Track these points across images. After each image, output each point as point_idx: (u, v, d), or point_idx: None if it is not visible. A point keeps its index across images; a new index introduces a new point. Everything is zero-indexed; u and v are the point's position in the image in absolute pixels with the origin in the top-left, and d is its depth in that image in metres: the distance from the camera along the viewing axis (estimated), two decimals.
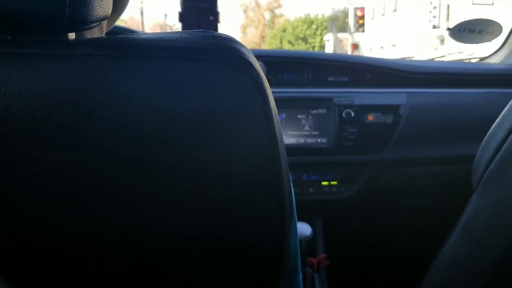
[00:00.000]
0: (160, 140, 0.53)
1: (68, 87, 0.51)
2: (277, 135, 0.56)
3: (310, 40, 37.10)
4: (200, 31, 0.58)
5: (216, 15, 1.60)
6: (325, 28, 35.31)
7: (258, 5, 50.48)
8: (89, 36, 0.66)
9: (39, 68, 0.51)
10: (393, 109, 1.64)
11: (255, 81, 0.54)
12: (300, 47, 36.76)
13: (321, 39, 35.22)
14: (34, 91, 0.50)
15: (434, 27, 20.40)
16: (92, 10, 0.53)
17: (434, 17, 20.32)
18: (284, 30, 39.41)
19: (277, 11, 50.55)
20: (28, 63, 0.51)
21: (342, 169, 1.71)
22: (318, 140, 1.65)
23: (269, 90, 0.56)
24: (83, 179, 0.53)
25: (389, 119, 1.64)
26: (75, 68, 0.51)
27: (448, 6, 19.37)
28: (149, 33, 0.58)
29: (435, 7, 20.20)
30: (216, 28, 1.49)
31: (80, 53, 0.52)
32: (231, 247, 0.58)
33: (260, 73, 0.55)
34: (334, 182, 1.71)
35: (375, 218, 1.86)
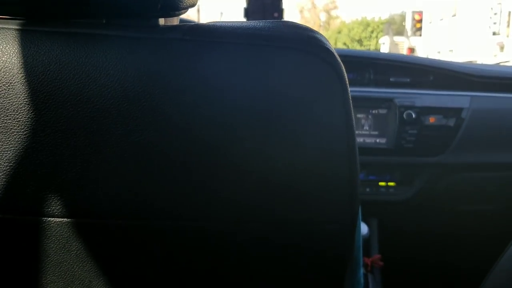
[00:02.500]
0: (243, 125, 0.54)
1: (158, 70, 0.53)
2: (353, 126, 0.57)
3: (365, 42, 36.73)
4: (282, 21, 0.59)
5: (280, 12, 1.61)
6: (381, 31, 34.89)
7: (314, 6, 50.32)
8: (170, 24, 0.69)
9: (132, 51, 0.53)
10: (455, 112, 1.62)
11: (337, 71, 0.55)
12: (355, 49, 36.41)
13: (377, 42, 34.84)
14: (127, 72, 0.53)
15: (494, 33, 19.89)
16: None
17: (494, 23, 19.80)
18: (339, 32, 39.13)
19: (333, 13, 50.29)
20: (122, 46, 0.54)
21: (400, 171, 1.70)
22: (377, 140, 1.64)
23: (347, 81, 0.57)
24: (166, 159, 0.55)
25: (451, 122, 1.62)
26: (166, 52, 0.54)
27: (510, 12, 18.85)
28: (233, 21, 0.60)
29: (495, 13, 19.69)
30: None
31: (171, 38, 0.55)
32: (305, 233, 0.59)
33: (341, 64, 0.56)
34: (392, 183, 1.70)
35: (431, 222, 1.84)
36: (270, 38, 0.55)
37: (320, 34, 0.59)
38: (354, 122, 0.57)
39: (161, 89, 0.53)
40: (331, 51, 0.56)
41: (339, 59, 0.56)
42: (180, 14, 0.58)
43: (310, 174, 0.57)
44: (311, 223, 0.59)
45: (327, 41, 0.58)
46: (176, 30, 0.55)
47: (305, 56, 0.54)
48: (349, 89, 1.60)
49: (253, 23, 0.58)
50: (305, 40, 0.55)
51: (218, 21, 0.60)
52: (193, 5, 0.59)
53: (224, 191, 0.56)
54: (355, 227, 0.62)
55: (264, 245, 0.60)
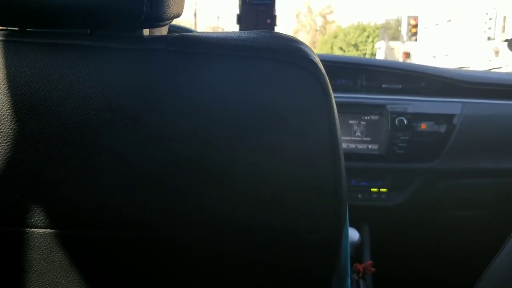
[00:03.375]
0: (226, 136, 0.54)
1: (141, 81, 0.53)
2: (338, 136, 0.57)
3: (361, 47, 36.81)
4: (267, 31, 0.59)
5: (273, 18, 1.62)
6: (377, 36, 34.98)
7: (310, 10, 50.36)
8: (158, 34, 0.69)
9: (115, 62, 0.54)
10: (447, 118, 1.63)
11: (320, 82, 0.55)
12: (351, 53, 36.50)
13: (373, 46, 34.90)
14: (110, 84, 0.53)
15: (489, 38, 19.94)
16: (168, 8, 0.55)
17: (489, 28, 19.86)
18: (336, 36, 39.20)
19: (329, 17, 50.35)
20: (106, 57, 0.54)
21: (392, 177, 1.70)
22: (369, 146, 1.65)
23: (331, 92, 0.57)
24: (148, 171, 0.55)
25: (443, 129, 1.62)
26: (149, 63, 0.54)
27: (505, 18, 18.92)
28: (217, 32, 0.60)
29: (490, 18, 19.74)
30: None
31: (155, 48, 0.55)
32: (291, 241, 0.60)
33: (325, 75, 0.56)
34: (384, 189, 1.70)
35: (423, 228, 1.84)
36: (255, 49, 0.55)
37: (305, 45, 0.59)
38: (339, 132, 0.58)
39: (144, 100, 0.53)
40: (315, 62, 0.56)
41: (323, 70, 0.56)
42: (165, 25, 0.58)
43: (294, 184, 0.57)
44: (295, 232, 0.59)
45: (312, 52, 0.59)
46: (160, 41, 0.56)
47: (289, 67, 0.55)
48: (342, 95, 1.60)
49: (239, 33, 0.58)
50: (289, 51, 0.56)
51: (203, 32, 0.60)
52: (177, 16, 0.59)
53: (207, 202, 0.56)
54: (341, 236, 0.62)
55: (248, 256, 0.60)
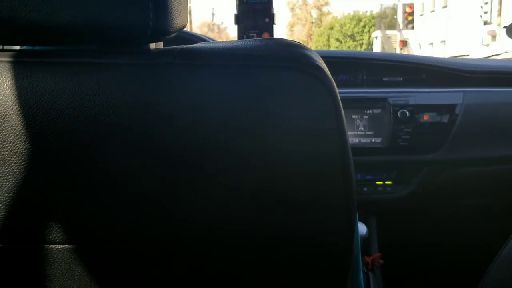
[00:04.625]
0: (237, 146, 0.55)
1: (150, 96, 0.54)
2: (347, 140, 0.58)
3: (358, 37, 36.75)
4: (272, 38, 0.60)
5: (271, 17, 1.61)
6: (373, 25, 34.90)
7: (305, 3, 50.27)
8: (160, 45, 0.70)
9: (124, 78, 0.54)
10: (449, 108, 1.63)
11: (328, 88, 0.56)
12: (348, 44, 36.49)
13: (369, 36, 34.84)
14: (120, 99, 0.54)
15: (485, 23, 19.88)
16: (173, 21, 0.56)
17: (486, 12, 19.80)
18: (332, 28, 39.14)
19: (325, 9, 50.23)
20: (114, 73, 0.54)
21: (397, 169, 1.71)
22: (373, 140, 1.65)
23: (339, 96, 0.58)
24: (161, 183, 0.56)
25: (445, 119, 1.63)
26: (158, 77, 0.55)
27: (500, 1, 18.87)
28: (223, 41, 0.61)
29: (486, 3, 19.68)
30: (271, 30, 1.51)
31: (162, 63, 0.55)
32: (304, 247, 0.60)
33: (331, 79, 0.57)
34: (389, 182, 1.71)
35: (430, 218, 1.85)
36: (261, 58, 0.56)
37: (310, 50, 0.60)
38: (347, 136, 0.58)
39: (154, 115, 0.54)
40: (321, 67, 0.57)
41: (329, 75, 0.57)
42: (171, 38, 0.59)
43: (305, 191, 0.57)
44: (307, 239, 0.60)
45: (318, 57, 0.59)
46: (167, 55, 0.56)
47: (295, 74, 0.55)
48: (343, 90, 1.60)
49: (244, 42, 0.59)
50: (295, 58, 0.56)
51: (209, 42, 0.61)
52: (182, 27, 0.60)
53: (219, 210, 0.57)
54: (353, 236, 0.63)
55: (258, 262, 0.61)
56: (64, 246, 0.58)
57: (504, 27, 1.94)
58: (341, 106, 0.57)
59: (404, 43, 27.77)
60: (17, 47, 0.62)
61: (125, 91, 0.54)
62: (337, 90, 0.57)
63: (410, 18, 28.86)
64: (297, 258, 0.61)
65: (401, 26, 29.86)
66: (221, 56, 0.56)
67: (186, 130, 0.54)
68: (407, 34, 29.36)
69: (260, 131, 0.55)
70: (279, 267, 0.61)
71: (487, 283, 0.94)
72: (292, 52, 0.57)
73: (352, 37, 36.98)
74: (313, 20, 49.77)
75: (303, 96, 0.55)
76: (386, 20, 34.52)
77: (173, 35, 0.58)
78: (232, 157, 0.55)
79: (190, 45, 0.59)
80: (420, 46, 27.92)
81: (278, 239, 0.59)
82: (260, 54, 0.56)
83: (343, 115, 0.58)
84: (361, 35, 36.61)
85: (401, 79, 1.76)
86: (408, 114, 1.61)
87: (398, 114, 1.61)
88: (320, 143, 0.56)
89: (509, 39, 1.91)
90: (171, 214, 0.57)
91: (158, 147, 0.55)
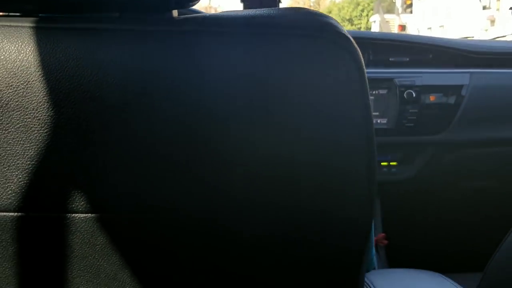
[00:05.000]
0: (259, 116, 0.54)
1: (175, 63, 0.53)
2: (370, 109, 0.57)
3: (356, 21, 36.64)
4: (295, 8, 0.59)
5: None
6: (372, 9, 34.78)
7: None
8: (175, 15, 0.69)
9: (148, 45, 0.53)
10: (455, 89, 1.63)
11: (354, 57, 0.55)
12: (346, 28, 36.33)
13: (367, 20, 34.73)
14: (144, 66, 0.53)
15: (484, 8, 19.84)
16: None
17: None
18: (330, 12, 38.98)
19: None
20: (138, 40, 0.54)
21: (402, 150, 1.71)
22: (378, 121, 1.65)
23: (364, 67, 0.57)
24: (185, 153, 0.55)
25: (451, 100, 1.62)
26: (181, 45, 0.54)
27: None
28: (247, 9, 0.60)
29: None
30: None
31: (185, 30, 0.54)
32: (326, 222, 0.60)
33: (358, 49, 0.56)
34: (394, 163, 1.71)
35: (434, 199, 1.85)
36: (286, 27, 0.55)
37: (334, 20, 0.58)
38: (371, 108, 0.57)
39: (177, 82, 0.53)
40: (348, 37, 0.56)
41: (356, 45, 0.56)
42: (193, 5, 0.58)
43: (328, 163, 0.57)
44: (328, 213, 0.59)
45: (342, 26, 0.58)
46: (191, 22, 0.55)
47: (322, 43, 0.54)
48: None
49: (267, 11, 0.58)
50: (321, 27, 0.55)
51: (231, 10, 0.60)
52: None
53: (237, 185, 0.56)
54: (373, 211, 0.63)
55: (278, 240, 0.60)
56: (86, 215, 0.57)
57: (511, 8, 1.93)
58: (366, 76, 0.56)
59: (402, 28, 27.71)
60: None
61: (148, 58, 0.53)
62: (362, 59, 0.56)
63: (409, 2, 28.76)
64: (318, 232, 0.60)
65: (400, 10, 29.75)
66: (245, 23, 0.55)
67: (211, 97, 0.54)
68: (405, 18, 29.28)
69: (282, 100, 0.54)
70: (298, 241, 0.61)
71: (494, 267, 0.94)
72: (318, 21, 0.56)
73: (350, 21, 36.87)
74: (311, 4, 49.57)
75: (329, 66, 0.54)
76: (385, 4, 34.41)
77: (196, 2, 0.57)
78: (257, 124, 0.55)
79: (214, 13, 0.58)
80: (418, 31, 27.83)
81: (300, 212, 0.59)
82: (284, 23, 0.55)
83: (368, 86, 0.57)
84: (359, 19, 36.49)
85: (408, 59, 1.74)
86: (414, 95, 1.60)
87: (404, 94, 1.60)
88: (345, 112, 0.56)
89: (508, 24, 1.90)
90: (195, 185, 0.56)
91: (181, 114, 0.54)
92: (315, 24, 0.55)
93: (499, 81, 1.68)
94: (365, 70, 0.56)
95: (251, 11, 0.58)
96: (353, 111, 0.56)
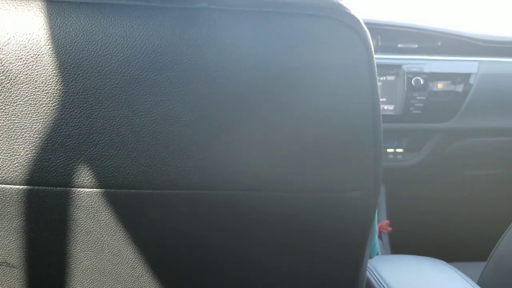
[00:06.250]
0: (268, 93, 0.55)
1: (185, 40, 0.53)
2: (378, 91, 0.57)
3: None
4: None
5: None
6: None
7: None
8: None
9: (158, 21, 0.53)
10: (463, 77, 1.62)
11: (363, 39, 0.55)
12: None
13: None
14: (154, 43, 0.53)
15: None
16: None
17: None
18: None
19: None
20: (149, 16, 0.53)
21: (408, 137, 1.70)
22: (385, 107, 1.64)
23: (373, 49, 0.57)
24: (193, 129, 0.55)
25: (459, 88, 1.62)
26: (192, 22, 0.54)
27: None
28: None
29: None
30: None
31: (197, 7, 0.54)
32: (331, 200, 0.60)
33: (367, 31, 0.56)
34: (400, 150, 1.70)
35: (439, 187, 1.85)
36: (297, 6, 0.55)
37: (344, 1, 0.58)
38: (378, 89, 0.58)
39: (188, 59, 0.53)
40: (357, 18, 0.56)
41: (365, 27, 0.56)
42: None
43: (335, 142, 0.57)
44: (334, 191, 0.59)
45: (351, 7, 0.58)
46: None
47: (332, 23, 0.54)
48: None
49: None
50: (331, 7, 0.55)
51: None
52: None
53: (249, 159, 0.57)
54: (378, 192, 0.63)
55: (285, 216, 0.60)
56: (92, 190, 0.57)
57: None
58: (374, 57, 0.56)
59: None
60: None
61: (159, 34, 0.53)
62: (370, 40, 0.56)
63: None
64: (323, 210, 0.61)
65: None
66: (256, 2, 0.55)
67: (220, 74, 0.54)
68: None
69: (291, 79, 0.54)
70: (305, 219, 0.61)
71: (497, 256, 0.94)
72: (327, 1, 0.56)
73: None
74: None
75: (338, 46, 0.55)
76: None
77: None
78: (262, 103, 0.55)
79: None
80: None
81: (307, 190, 0.59)
82: (295, 2, 0.55)
83: (375, 67, 0.57)
84: None
85: (416, 46, 1.73)
86: (422, 82, 1.59)
87: (412, 81, 1.60)
88: (352, 92, 0.56)
89: None
90: (203, 161, 0.56)
91: (191, 91, 0.54)
92: (325, 4, 0.55)
93: (507, 71, 1.67)
94: (373, 51, 0.56)
95: None
96: (360, 91, 0.56)
